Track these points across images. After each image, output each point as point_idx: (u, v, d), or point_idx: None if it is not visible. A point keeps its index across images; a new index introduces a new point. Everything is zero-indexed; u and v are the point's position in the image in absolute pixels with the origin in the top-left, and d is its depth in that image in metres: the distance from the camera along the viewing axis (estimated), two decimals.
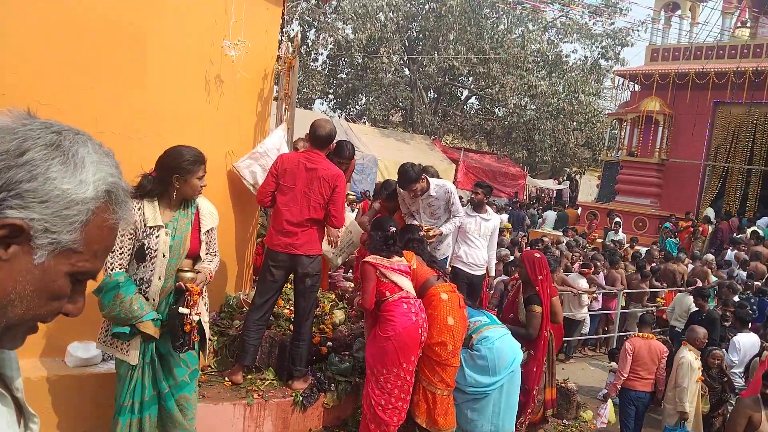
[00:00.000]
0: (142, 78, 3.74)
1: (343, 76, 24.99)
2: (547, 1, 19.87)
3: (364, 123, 25.20)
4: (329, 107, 26.07)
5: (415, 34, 24.40)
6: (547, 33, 23.56)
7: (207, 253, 3.21)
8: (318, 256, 4.15)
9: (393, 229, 4.12)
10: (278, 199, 4.04)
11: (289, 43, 4.75)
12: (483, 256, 6.37)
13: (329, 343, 4.47)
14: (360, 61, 23.01)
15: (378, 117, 24.13)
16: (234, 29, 4.06)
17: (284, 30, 20.80)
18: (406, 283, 3.90)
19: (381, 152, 19.83)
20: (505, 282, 5.57)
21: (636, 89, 17.80)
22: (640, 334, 6.75)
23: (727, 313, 7.99)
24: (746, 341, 6.88)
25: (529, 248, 11.25)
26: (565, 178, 29.25)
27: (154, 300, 3.00)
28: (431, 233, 4.90)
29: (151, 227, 2.95)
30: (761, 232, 13.47)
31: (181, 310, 2.96)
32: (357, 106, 26.20)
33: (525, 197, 25.17)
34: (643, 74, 17.09)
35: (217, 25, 4.08)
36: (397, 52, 22.56)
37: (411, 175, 4.95)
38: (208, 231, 3.21)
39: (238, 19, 4.04)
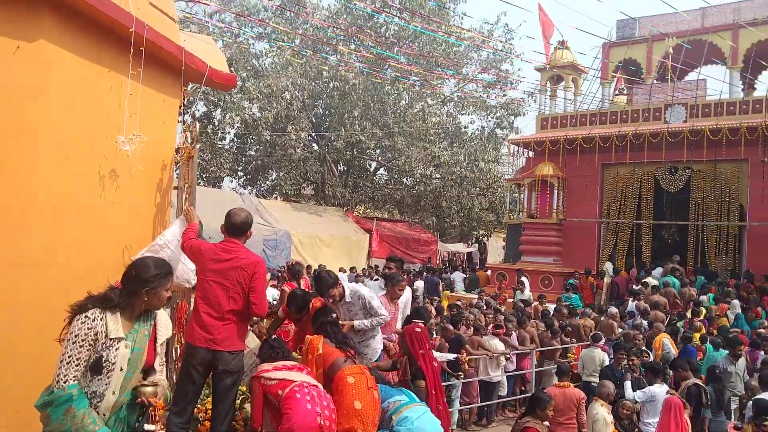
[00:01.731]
0: (31, 174, 3.62)
1: (252, 153, 25.07)
2: (443, 78, 21.08)
3: (276, 198, 25.17)
4: (239, 184, 25.92)
5: (321, 111, 25.05)
6: (445, 106, 24.91)
7: (160, 365, 3.14)
8: (241, 352, 4.00)
9: (275, 336, 4.22)
10: (197, 292, 3.94)
11: (188, 133, 4.77)
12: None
13: None
14: (268, 138, 23.23)
15: (289, 192, 24.23)
16: (129, 123, 4.04)
17: (190, 110, 20.85)
18: (298, 375, 3.85)
19: (294, 226, 19.81)
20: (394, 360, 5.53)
21: (530, 155, 18.97)
22: (558, 383, 7.03)
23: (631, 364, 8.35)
24: (659, 391, 7.10)
25: (441, 316, 11.42)
26: (473, 241, 30.23)
27: (104, 415, 2.83)
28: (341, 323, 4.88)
29: (112, 339, 2.83)
30: (655, 282, 14.38)
31: (147, 427, 2.87)
32: (267, 182, 26.22)
33: (438, 261, 25.74)
34: (535, 141, 18.27)
35: (110, 120, 4.05)
36: (305, 128, 23.00)
37: (327, 281, 4.94)
38: (162, 343, 3.14)
39: (132, 114, 4.03)
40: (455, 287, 18.10)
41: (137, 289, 2.92)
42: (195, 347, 3.86)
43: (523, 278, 15.95)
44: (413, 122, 22.48)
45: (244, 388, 5.05)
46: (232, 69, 21.03)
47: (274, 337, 4.28)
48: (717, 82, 17.30)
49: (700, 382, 7.34)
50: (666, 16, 17.44)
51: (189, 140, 4.78)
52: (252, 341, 4.62)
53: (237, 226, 4.05)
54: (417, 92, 22.94)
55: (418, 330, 4.89)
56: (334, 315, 4.59)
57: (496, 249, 28.39)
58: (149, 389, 2.94)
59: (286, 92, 21.56)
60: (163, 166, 4.57)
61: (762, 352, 9.25)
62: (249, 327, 4.82)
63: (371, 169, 27.43)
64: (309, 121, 23.65)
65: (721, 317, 12.05)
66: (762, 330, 11.06)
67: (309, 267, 17.27)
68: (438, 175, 24.09)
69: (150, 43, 4.16)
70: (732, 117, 15.46)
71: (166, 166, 4.62)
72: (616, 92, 20.27)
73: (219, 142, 22.99)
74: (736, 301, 12.74)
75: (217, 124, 22.33)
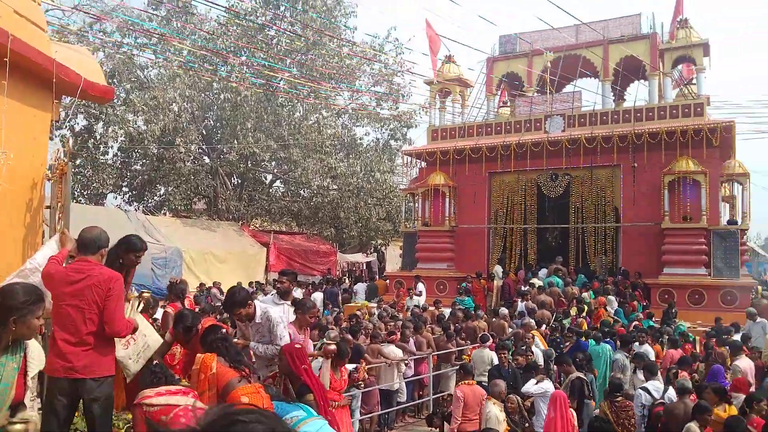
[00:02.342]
0: None
1: (138, 167, 23.92)
2: (337, 91, 21.26)
3: (165, 214, 24.19)
4: (124, 201, 24.61)
5: (212, 123, 24.41)
6: (340, 118, 25.09)
7: (31, 400, 2.87)
8: (107, 378, 3.76)
9: (156, 362, 4.04)
10: (53, 320, 3.68)
11: (62, 149, 4.50)
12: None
13: None
14: (155, 151, 22.31)
15: (179, 207, 23.36)
16: None
17: (66, 125, 19.59)
18: (183, 399, 3.71)
19: (185, 243, 19.13)
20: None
21: (423, 166, 19.51)
22: (465, 381, 7.23)
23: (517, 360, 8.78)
24: (550, 386, 7.46)
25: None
26: (372, 250, 30.56)
27: None
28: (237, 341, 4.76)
29: None
30: (541, 282, 15.23)
31: None
32: (155, 198, 25.12)
33: (338, 272, 25.79)
34: (426, 152, 18.83)
35: None
36: (195, 141, 22.32)
37: (234, 299, 4.74)
38: (34, 376, 2.88)
39: None
40: (357, 298, 18.23)
41: (4, 317, 2.73)
42: (55, 378, 3.59)
43: (420, 284, 16.36)
44: (308, 134, 22.47)
45: (129, 416, 4.80)
46: (114, 81, 20.05)
47: (155, 362, 4.08)
48: (591, 93, 18.65)
49: (582, 375, 7.86)
50: (544, 32, 18.58)
51: (63, 156, 4.51)
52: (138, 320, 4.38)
53: (86, 241, 3.84)
54: (311, 104, 22.97)
55: (298, 346, 4.82)
56: (224, 330, 4.47)
57: (394, 257, 28.85)
58: (18, 427, 2.74)
59: (174, 104, 20.84)
60: (33, 185, 4.28)
61: (637, 344, 10.02)
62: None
63: (267, 182, 27.05)
64: (199, 134, 22.98)
65: (600, 309, 12.98)
66: (636, 323, 12.04)
67: (202, 285, 16.79)
68: (335, 187, 24.20)
69: (16, 54, 3.90)
70: (605, 126, 16.72)
71: (37, 184, 4.33)
72: (501, 104, 21.30)
73: (101, 157, 21.77)
74: (612, 297, 13.76)
75: (99, 138, 21.15)
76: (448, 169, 18.39)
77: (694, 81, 17.27)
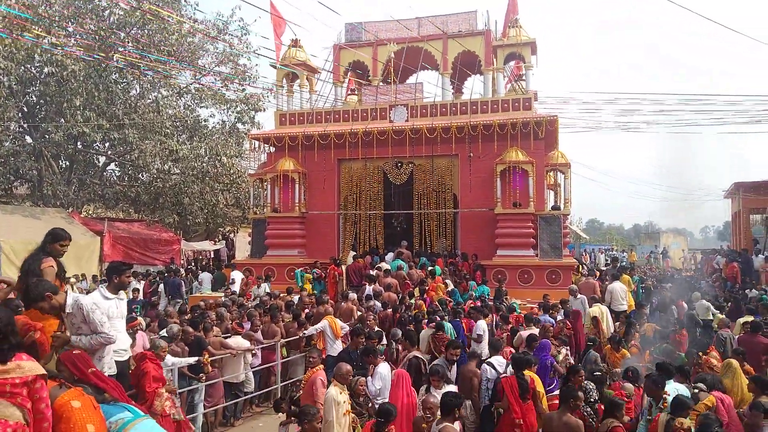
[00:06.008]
0: None
1: None
2: (177, 69, 20.17)
3: None
4: None
5: (34, 99, 22.03)
6: (182, 98, 23.83)
7: None
8: None
9: None
10: None
11: None
12: (127, 340, 6.10)
13: None
14: None
15: None
16: None
17: None
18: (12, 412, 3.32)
19: (5, 233, 17.26)
20: None
21: (271, 151, 19.19)
22: (318, 367, 7.42)
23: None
24: (384, 370, 7.79)
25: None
26: (220, 237, 29.59)
27: None
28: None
29: None
30: (388, 266, 15.75)
31: None
32: None
33: (182, 261, 24.66)
34: (275, 137, 18.53)
35: None
36: (14, 118, 20.05)
37: (30, 296, 4.42)
38: None
39: None
40: (203, 288, 17.59)
41: None
42: None
43: (236, 272, 16.31)
44: (146, 114, 21.10)
45: None
46: None
47: None
48: (431, 86, 19.48)
49: (419, 354, 8.30)
50: (388, 23, 19.02)
51: None
52: None
53: None
54: (149, 82, 21.56)
55: (77, 351, 4.50)
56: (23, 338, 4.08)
57: (244, 245, 28.17)
58: None
59: None
60: None
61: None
62: None
63: (100, 165, 25.02)
64: (19, 110, 20.66)
65: (431, 288, 13.77)
66: (470, 302, 12.90)
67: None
68: (177, 170, 23.03)
69: None
70: (444, 117, 17.58)
71: None
72: (349, 92, 21.51)
73: None
74: (448, 280, 14.67)
75: None
76: (297, 155, 18.28)
77: (524, 77, 18.68)
